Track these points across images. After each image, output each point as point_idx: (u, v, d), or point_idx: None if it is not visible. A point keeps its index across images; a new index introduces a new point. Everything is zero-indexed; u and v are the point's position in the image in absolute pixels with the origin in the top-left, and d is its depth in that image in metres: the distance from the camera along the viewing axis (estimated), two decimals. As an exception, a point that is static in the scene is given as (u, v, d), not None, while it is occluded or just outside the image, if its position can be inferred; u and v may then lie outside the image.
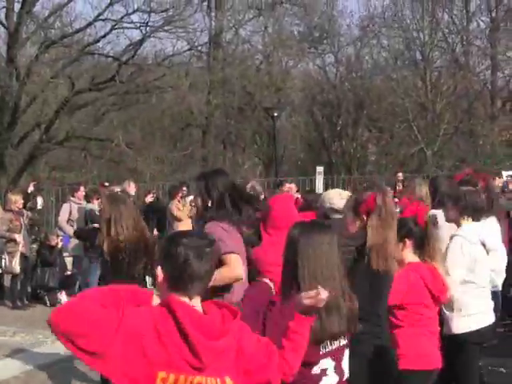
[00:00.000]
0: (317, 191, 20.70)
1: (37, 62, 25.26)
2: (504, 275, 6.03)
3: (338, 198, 5.66)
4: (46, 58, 26.17)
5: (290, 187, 12.94)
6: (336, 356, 3.63)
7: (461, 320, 5.33)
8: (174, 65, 28.92)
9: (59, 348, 8.99)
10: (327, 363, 3.57)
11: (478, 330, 5.37)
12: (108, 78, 26.51)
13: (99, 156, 28.39)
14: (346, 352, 3.72)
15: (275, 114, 24.33)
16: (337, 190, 6.44)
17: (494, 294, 5.75)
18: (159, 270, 3.05)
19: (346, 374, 3.71)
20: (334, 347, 3.63)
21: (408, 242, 4.88)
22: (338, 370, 3.64)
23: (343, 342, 3.68)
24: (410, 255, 4.89)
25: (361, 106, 34.30)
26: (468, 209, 5.35)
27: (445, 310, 5.40)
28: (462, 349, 5.30)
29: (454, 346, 5.27)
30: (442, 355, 4.85)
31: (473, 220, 5.48)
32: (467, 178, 6.45)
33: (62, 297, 12.15)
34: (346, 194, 5.87)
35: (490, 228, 5.54)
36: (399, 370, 4.56)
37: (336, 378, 3.62)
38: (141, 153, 27.61)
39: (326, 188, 21.53)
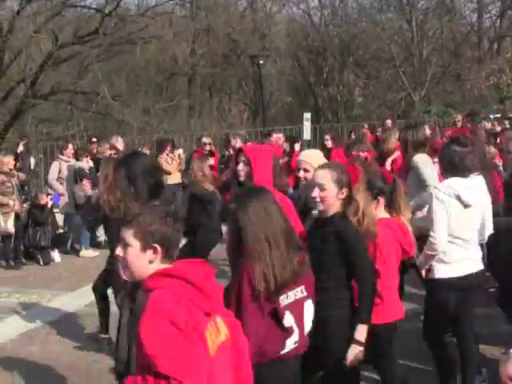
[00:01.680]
0: (304, 138, 20.79)
1: (19, 17, 24.90)
2: (491, 230, 6.04)
3: (313, 158, 5.83)
4: (27, 12, 25.84)
5: (278, 137, 12.96)
6: (295, 309, 3.83)
7: (442, 266, 5.50)
8: (157, 15, 28.70)
9: (55, 307, 9.19)
10: (288, 318, 3.79)
11: (459, 277, 5.48)
12: (91, 30, 26.20)
13: (85, 109, 28.25)
14: (307, 304, 3.94)
15: (261, 62, 24.22)
16: (315, 150, 6.64)
17: (480, 246, 5.86)
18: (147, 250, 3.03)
19: (308, 328, 3.96)
20: (290, 300, 3.84)
21: (381, 200, 5.14)
22: (299, 323, 3.86)
23: (300, 294, 3.91)
24: (381, 212, 5.15)
25: (347, 51, 34.25)
26: (453, 169, 5.44)
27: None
28: (445, 294, 5.47)
29: (440, 290, 5.47)
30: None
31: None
32: (457, 138, 6.48)
33: (55, 255, 12.34)
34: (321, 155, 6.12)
35: (470, 184, 5.57)
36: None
37: (297, 331, 3.85)
38: (127, 105, 27.50)
39: (314, 136, 21.65)
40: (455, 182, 5.46)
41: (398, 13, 35.15)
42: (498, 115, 20.64)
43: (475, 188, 5.57)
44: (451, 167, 5.47)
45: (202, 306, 2.89)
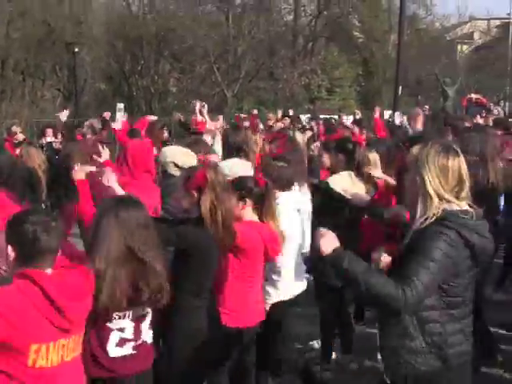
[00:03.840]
0: (116, 128, 23.89)
1: None
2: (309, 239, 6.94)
3: (180, 154, 6.42)
4: None
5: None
6: (136, 320, 4.28)
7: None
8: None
9: None
10: (126, 323, 4.24)
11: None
12: None
13: None
14: (147, 319, 4.37)
15: (76, 50, 27.01)
16: (180, 147, 6.92)
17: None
18: (10, 250, 3.61)
19: (146, 338, 4.38)
20: (136, 314, 4.28)
21: (248, 201, 5.37)
22: (136, 331, 4.30)
23: (145, 311, 4.33)
24: (248, 214, 5.40)
25: (164, 43, 37.05)
26: (277, 183, 5.94)
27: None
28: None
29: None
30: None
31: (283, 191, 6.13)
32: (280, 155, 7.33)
33: None
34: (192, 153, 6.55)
35: (303, 195, 6.56)
36: (227, 328, 5.26)
37: (132, 337, 4.28)
38: None
39: (128, 124, 24.89)
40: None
41: (217, 8, 38.58)
42: (309, 115, 23.60)
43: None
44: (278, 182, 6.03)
45: (49, 316, 3.54)
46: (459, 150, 3.89)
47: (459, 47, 58.08)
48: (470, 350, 3.96)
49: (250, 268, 5.31)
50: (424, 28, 47.77)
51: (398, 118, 21.64)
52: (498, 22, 64.36)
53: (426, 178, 3.80)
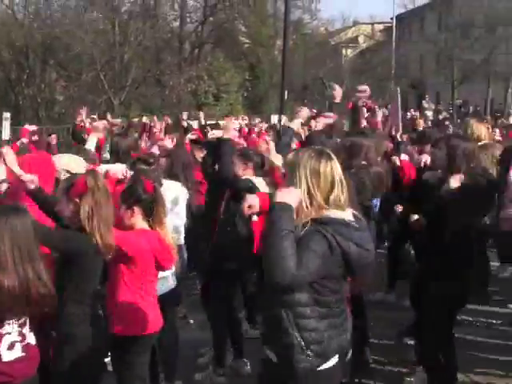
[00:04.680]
0: (3, 138, 24.59)
1: None
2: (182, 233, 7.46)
3: (73, 161, 6.48)
4: None
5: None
6: (20, 324, 4.43)
7: None
8: None
9: None
10: (12, 328, 4.38)
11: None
12: None
13: None
14: (27, 323, 4.47)
15: None
16: (73, 155, 6.84)
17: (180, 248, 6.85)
18: None
19: (30, 340, 4.49)
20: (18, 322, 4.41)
21: (136, 210, 5.41)
22: (21, 334, 4.43)
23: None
24: (139, 222, 5.44)
25: (49, 51, 37.34)
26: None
27: None
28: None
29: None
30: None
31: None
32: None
33: None
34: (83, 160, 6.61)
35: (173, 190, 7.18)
36: (117, 336, 5.30)
37: (18, 339, 4.42)
38: None
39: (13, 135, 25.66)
40: None
41: (103, 15, 39.04)
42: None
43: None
44: None
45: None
46: (332, 155, 4.09)
47: (344, 51, 61.00)
48: (345, 346, 4.20)
49: (140, 276, 5.34)
50: (309, 33, 49.71)
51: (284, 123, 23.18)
52: (381, 27, 67.64)
53: (300, 182, 3.98)
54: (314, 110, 29.66)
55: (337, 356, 4.12)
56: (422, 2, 61.10)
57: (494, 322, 8.89)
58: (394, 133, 9.81)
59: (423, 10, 61.03)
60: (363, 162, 6.97)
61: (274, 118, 26.21)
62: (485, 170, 6.57)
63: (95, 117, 15.32)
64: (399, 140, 9.71)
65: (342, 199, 4.03)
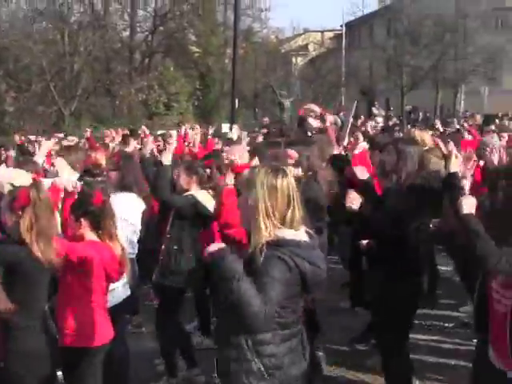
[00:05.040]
0: None
1: None
2: (136, 246, 7.39)
3: (16, 174, 6.23)
4: None
5: None
6: None
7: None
8: None
9: None
10: None
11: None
12: None
13: None
14: None
15: None
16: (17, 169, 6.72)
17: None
18: None
19: None
20: None
21: (84, 222, 5.40)
22: None
23: None
24: (88, 233, 5.41)
25: None
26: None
27: None
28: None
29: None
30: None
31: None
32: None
33: None
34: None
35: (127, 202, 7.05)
36: (67, 348, 5.26)
37: None
38: None
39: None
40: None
41: (52, 25, 39.14)
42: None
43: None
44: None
45: None
46: (288, 171, 4.11)
47: (294, 59, 61.53)
48: (304, 367, 4.21)
49: (90, 288, 5.32)
50: (259, 41, 49.99)
51: (236, 132, 23.30)
52: (331, 34, 68.38)
53: (257, 199, 3.96)
54: (266, 119, 29.85)
55: (294, 380, 4.13)
56: (371, 9, 61.85)
57: (447, 325, 9.06)
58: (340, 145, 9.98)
59: (372, 18, 61.54)
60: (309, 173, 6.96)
61: (225, 127, 26.54)
62: (435, 174, 6.56)
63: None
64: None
65: (298, 217, 4.05)
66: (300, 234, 4.06)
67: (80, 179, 6.86)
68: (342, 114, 29.91)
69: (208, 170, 7.76)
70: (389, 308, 6.20)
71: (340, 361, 7.81)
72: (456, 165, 5.30)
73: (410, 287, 6.19)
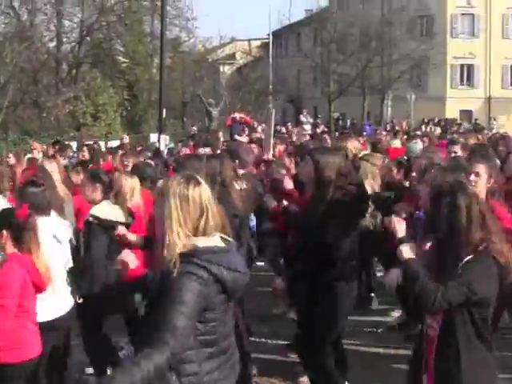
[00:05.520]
0: None
1: None
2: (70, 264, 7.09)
3: None
4: None
5: None
6: None
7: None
8: None
9: None
10: None
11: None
12: None
13: None
14: None
15: None
16: None
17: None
18: None
19: None
20: None
21: (5, 234, 5.37)
22: None
23: None
24: (10, 247, 5.39)
25: None
26: (33, 207, 5.84)
27: None
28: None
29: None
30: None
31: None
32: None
33: None
34: None
35: (58, 222, 6.49)
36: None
37: None
38: None
39: None
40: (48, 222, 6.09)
41: None
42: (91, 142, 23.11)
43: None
44: (36, 208, 5.88)
45: None
46: (201, 180, 4.05)
47: (222, 68, 62.19)
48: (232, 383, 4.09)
49: (17, 301, 5.23)
50: (187, 51, 50.35)
51: (163, 142, 23.58)
52: (258, 43, 69.25)
53: (169, 209, 3.90)
54: (194, 128, 30.01)
55: None
56: (298, 17, 62.85)
57: (379, 330, 9.13)
58: (265, 156, 10.04)
59: (299, 26, 62.51)
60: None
61: (154, 137, 26.84)
62: (356, 181, 6.54)
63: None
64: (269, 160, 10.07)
65: (211, 225, 3.98)
66: (214, 240, 3.98)
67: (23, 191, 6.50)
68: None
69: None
70: (314, 320, 6.27)
71: (271, 370, 7.76)
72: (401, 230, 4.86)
73: (342, 295, 6.21)
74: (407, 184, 9.07)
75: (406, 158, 10.95)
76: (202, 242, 3.89)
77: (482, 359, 4.42)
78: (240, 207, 6.64)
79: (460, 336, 4.38)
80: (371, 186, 8.83)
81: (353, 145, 9.79)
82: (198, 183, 3.98)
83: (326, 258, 6.09)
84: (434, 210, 4.61)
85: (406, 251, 4.51)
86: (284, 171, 9.38)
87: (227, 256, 3.94)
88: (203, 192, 3.97)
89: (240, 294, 4.16)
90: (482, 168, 6.56)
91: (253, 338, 8.19)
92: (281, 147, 13.46)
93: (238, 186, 7.06)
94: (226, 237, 4.05)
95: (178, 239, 3.85)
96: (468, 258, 4.35)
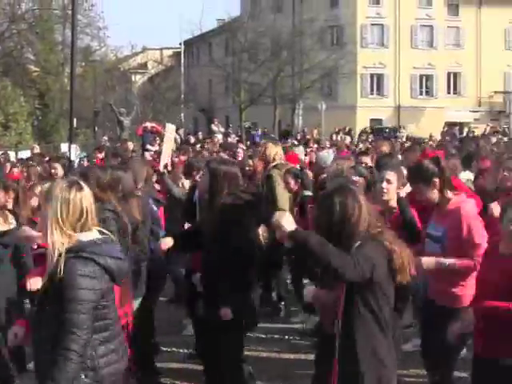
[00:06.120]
0: None
1: None
2: None
3: None
4: None
5: None
6: None
7: None
8: None
9: None
10: None
11: None
12: None
13: None
14: None
15: None
16: None
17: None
18: None
19: None
20: None
21: None
22: None
23: None
24: None
25: None
26: None
27: None
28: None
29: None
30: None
31: None
32: None
33: None
34: None
35: None
36: None
37: None
38: None
39: None
40: None
41: None
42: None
43: None
44: None
45: None
46: (84, 185, 4.34)
47: (133, 77, 62.68)
48: (120, 367, 4.39)
49: None
50: (98, 60, 50.25)
51: (74, 152, 23.86)
52: (170, 52, 69.96)
53: (52, 211, 4.20)
54: (105, 138, 30.03)
55: (112, 378, 4.34)
56: (210, 27, 63.24)
57: (287, 337, 9.24)
58: (161, 169, 10.21)
59: (210, 36, 63.16)
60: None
61: (65, 147, 27.01)
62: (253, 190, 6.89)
63: None
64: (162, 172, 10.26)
65: (89, 224, 4.29)
66: (93, 234, 4.32)
67: None
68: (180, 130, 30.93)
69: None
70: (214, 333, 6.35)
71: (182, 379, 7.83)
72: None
73: (242, 305, 6.27)
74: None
75: (299, 167, 11.21)
76: (84, 237, 4.24)
77: (381, 358, 4.53)
78: (137, 215, 6.74)
79: (359, 334, 4.50)
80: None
81: (274, 151, 10.09)
82: (80, 188, 4.28)
83: (221, 268, 6.15)
84: (316, 209, 4.84)
85: (286, 222, 4.43)
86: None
87: (107, 246, 4.31)
88: (84, 196, 4.27)
89: (123, 278, 4.50)
90: (392, 175, 6.86)
91: (164, 348, 8.33)
92: (183, 158, 13.72)
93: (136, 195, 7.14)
94: (102, 229, 4.43)
95: (61, 237, 4.17)
96: (356, 244, 4.48)
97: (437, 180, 5.95)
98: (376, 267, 4.37)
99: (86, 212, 4.24)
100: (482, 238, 5.76)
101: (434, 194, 6.01)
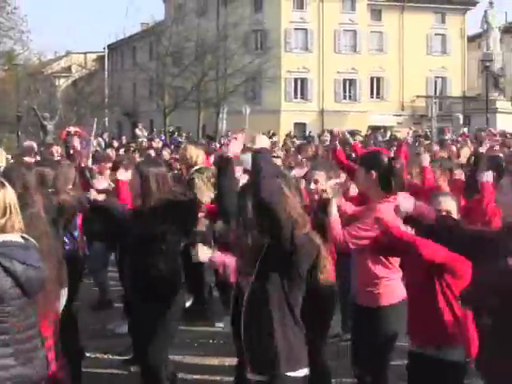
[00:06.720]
0: None
1: None
2: None
3: None
4: None
5: None
6: None
7: None
8: None
9: None
10: None
11: None
12: None
13: None
14: None
15: None
16: None
17: None
18: None
19: None
20: None
21: None
22: None
23: None
24: None
25: None
26: None
27: None
28: None
29: None
30: None
31: None
32: None
33: None
34: None
35: None
36: None
37: None
38: None
39: None
40: None
41: None
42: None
43: None
44: None
45: None
46: (6, 183, 4.28)
47: (57, 81, 62.77)
48: (22, 373, 4.18)
49: None
50: (21, 63, 49.36)
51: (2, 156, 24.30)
52: (94, 56, 70.13)
53: None
54: (33, 143, 30.60)
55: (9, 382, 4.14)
56: (134, 31, 63.26)
57: (211, 341, 9.27)
58: (82, 164, 9.66)
59: (134, 39, 63.27)
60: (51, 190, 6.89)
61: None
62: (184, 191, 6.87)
63: None
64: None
65: (13, 224, 4.22)
66: (13, 237, 4.20)
67: None
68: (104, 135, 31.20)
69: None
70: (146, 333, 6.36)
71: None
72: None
73: (169, 306, 6.31)
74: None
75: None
76: (1, 237, 4.13)
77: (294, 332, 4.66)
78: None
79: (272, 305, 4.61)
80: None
81: (195, 153, 9.89)
82: (3, 186, 4.22)
83: (144, 273, 6.23)
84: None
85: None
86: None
87: (24, 252, 4.16)
88: (7, 194, 4.21)
89: (38, 289, 4.33)
90: (321, 176, 6.97)
91: (88, 354, 8.20)
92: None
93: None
94: (26, 236, 4.30)
95: None
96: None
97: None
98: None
99: (10, 210, 4.21)
100: None
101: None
